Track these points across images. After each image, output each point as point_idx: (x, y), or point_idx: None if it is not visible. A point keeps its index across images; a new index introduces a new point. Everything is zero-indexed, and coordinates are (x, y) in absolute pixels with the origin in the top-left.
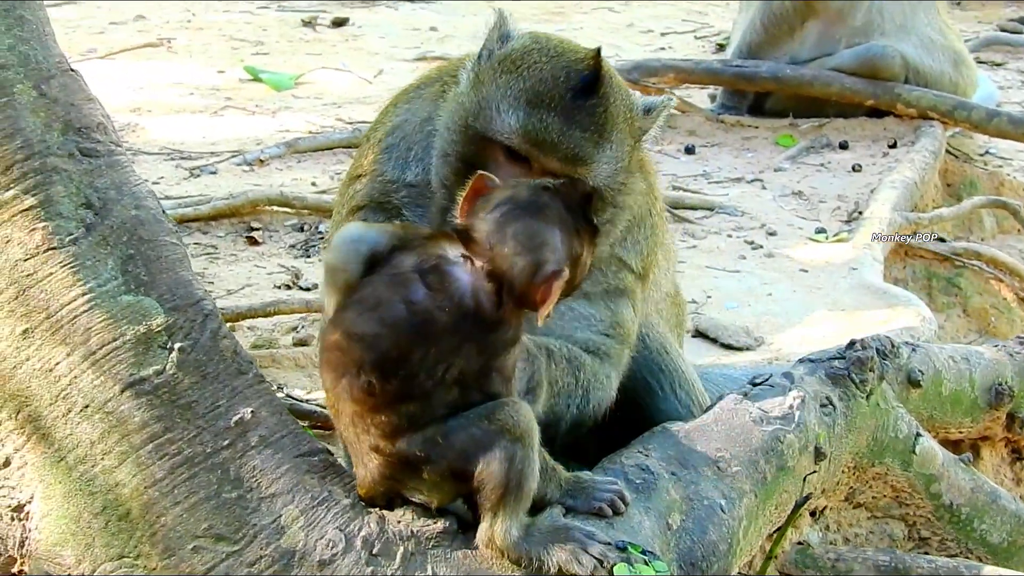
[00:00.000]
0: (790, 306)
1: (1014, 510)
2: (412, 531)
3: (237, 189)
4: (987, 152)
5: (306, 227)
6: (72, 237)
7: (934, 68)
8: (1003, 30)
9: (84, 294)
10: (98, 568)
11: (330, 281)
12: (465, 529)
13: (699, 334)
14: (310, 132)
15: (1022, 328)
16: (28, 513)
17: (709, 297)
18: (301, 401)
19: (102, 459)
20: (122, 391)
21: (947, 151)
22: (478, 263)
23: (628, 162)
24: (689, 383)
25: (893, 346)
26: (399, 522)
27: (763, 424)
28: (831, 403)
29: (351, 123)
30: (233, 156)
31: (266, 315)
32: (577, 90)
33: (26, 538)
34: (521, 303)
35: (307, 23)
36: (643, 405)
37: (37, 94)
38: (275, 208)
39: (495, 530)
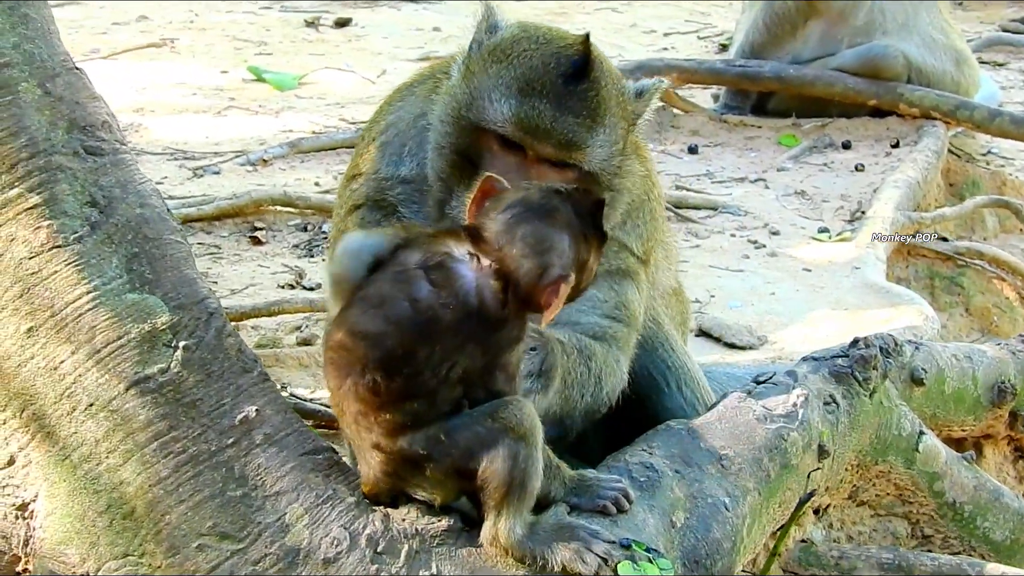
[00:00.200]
0: (793, 305)
1: (1017, 508)
2: (417, 529)
3: (240, 189)
4: (989, 152)
5: (310, 227)
6: (77, 235)
7: (936, 68)
8: (1005, 30)
9: (89, 292)
10: (102, 566)
11: (335, 292)
12: (470, 527)
13: (703, 333)
14: (313, 132)
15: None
16: (32, 511)
17: (713, 296)
18: (305, 400)
19: (107, 457)
20: (127, 389)
21: (949, 151)
22: (485, 262)
23: (623, 146)
24: (694, 380)
25: (896, 344)
26: (404, 520)
27: (767, 422)
28: (835, 401)
29: (354, 123)
30: (236, 156)
31: (270, 315)
32: (568, 75)
33: (30, 536)
34: (525, 305)
35: (310, 23)
36: (648, 401)
37: (42, 92)
38: (279, 208)
39: (499, 528)
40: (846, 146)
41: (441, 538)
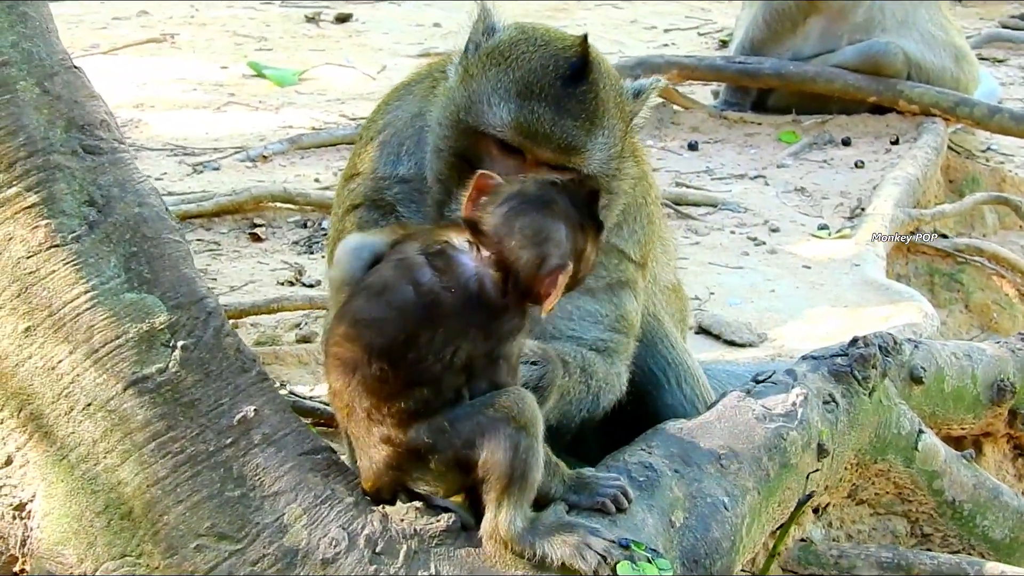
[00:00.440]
0: (793, 302)
1: (1016, 506)
2: (415, 529)
3: (240, 185)
4: (989, 148)
5: (309, 223)
6: (75, 235)
7: (936, 64)
8: (1005, 26)
9: (87, 292)
10: (100, 567)
11: (335, 295)
12: (468, 527)
13: (702, 330)
14: (313, 128)
15: (1023, 323)
16: (30, 512)
17: (712, 293)
18: (304, 398)
19: (104, 457)
20: (124, 389)
21: (949, 147)
22: (485, 252)
23: (621, 148)
24: (694, 377)
25: (895, 343)
26: (402, 520)
27: (766, 421)
28: (834, 400)
29: (354, 119)
30: (236, 152)
31: (269, 312)
32: (566, 78)
33: (28, 537)
34: (526, 295)
35: (311, 19)
36: (648, 397)
37: (40, 91)
38: (278, 204)
39: (499, 520)
40: (846, 143)
41: (440, 538)
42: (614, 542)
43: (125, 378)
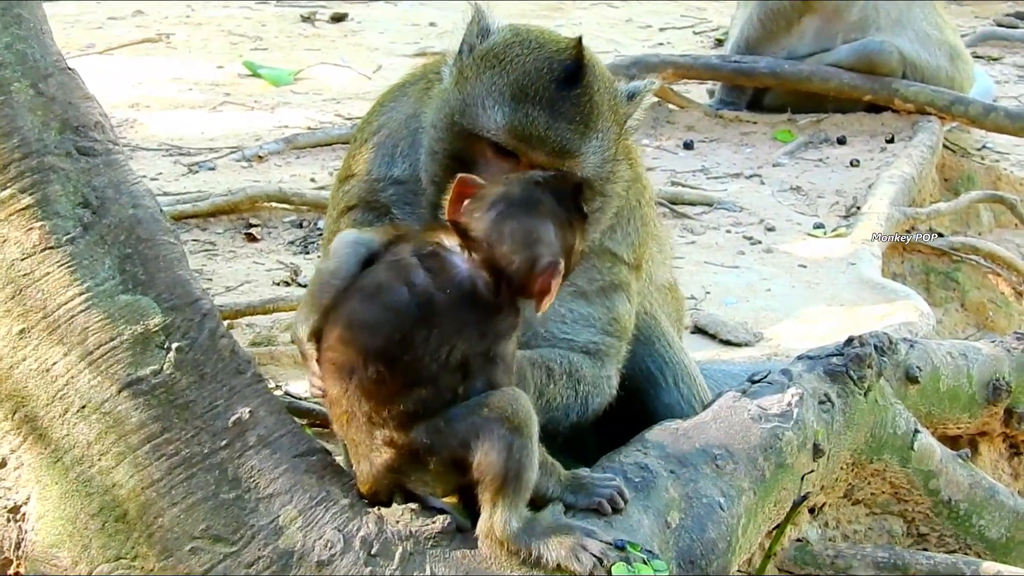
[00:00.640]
0: (789, 301)
1: (1012, 505)
2: (411, 531)
3: (236, 185)
4: (984, 147)
5: (305, 223)
6: (69, 236)
7: (931, 63)
8: (1000, 25)
9: (81, 294)
10: (95, 569)
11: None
12: (463, 529)
13: (698, 330)
14: (309, 128)
15: (1020, 322)
16: (24, 514)
17: (708, 293)
18: (299, 399)
19: (99, 460)
20: (119, 391)
21: (944, 146)
22: (476, 256)
23: (615, 150)
24: (691, 377)
25: (891, 343)
26: (398, 522)
27: (762, 421)
28: (829, 400)
29: (350, 119)
30: (232, 152)
31: (265, 312)
32: (561, 81)
33: (22, 539)
34: (520, 292)
35: (306, 19)
36: (645, 396)
37: (34, 93)
38: (274, 204)
39: (495, 521)
40: (841, 141)
41: (435, 540)
42: (610, 543)
43: (120, 380)
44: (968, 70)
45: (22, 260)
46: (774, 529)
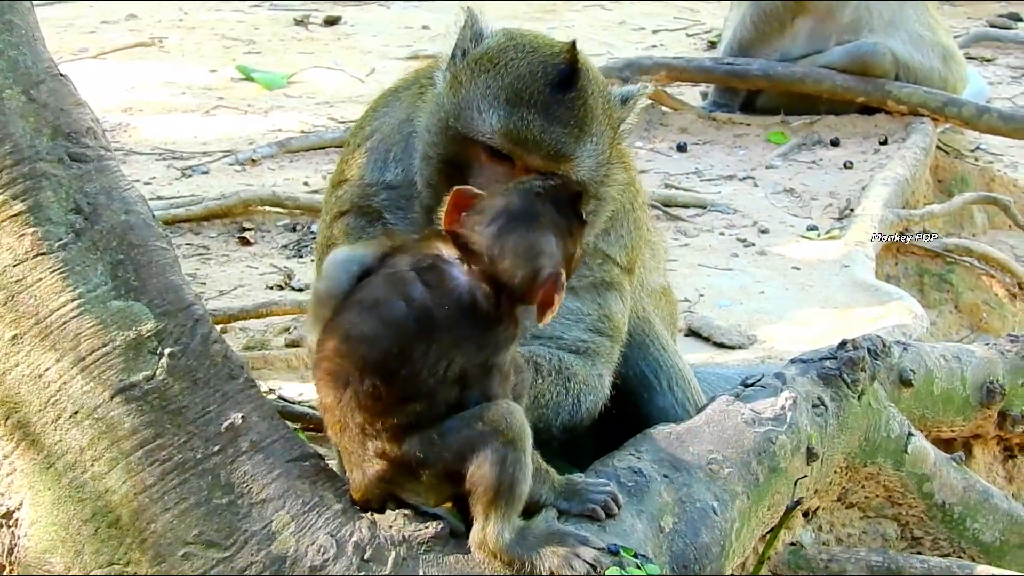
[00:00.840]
0: (782, 304)
1: (1006, 509)
2: (404, 536)
3: (229, 189)
4: (977, 148)
5: (298, 227)
6: (62, 242)
7: (924, 64)
8: (992, 25)
9: (74, 299)
10: (88, 575)
11: (320, 308)
12: (457, 534)
13: (692, 333)
14: (302, 131)
15: (1013, 324)
16: (17, 520)
17: (702, 295)
18: (293, 403)
19: (92, 465)
20: (112, 397)
21: (938, 147)
22: (476, 267)
23: (609, 154)
24: (685, 380)
25: (884, 346)
26: (391, 527)
27: (755, 425)
28: (823, 403)
29: (343, 122)
30: (225, 156)
31: (258, 316)
32: (555, 85)
33: (15, 545)
34: (521, 301)
35: (299, 22)
36: (640, 399)
37: (26, 99)
38: (267, 208)
39: (487, 532)
40: (834, 143)
41: (428, 545)
42: (603, 549)
43: (112, 386)
44: (961, 71)
45: (14, 266)
46: (768, 533)
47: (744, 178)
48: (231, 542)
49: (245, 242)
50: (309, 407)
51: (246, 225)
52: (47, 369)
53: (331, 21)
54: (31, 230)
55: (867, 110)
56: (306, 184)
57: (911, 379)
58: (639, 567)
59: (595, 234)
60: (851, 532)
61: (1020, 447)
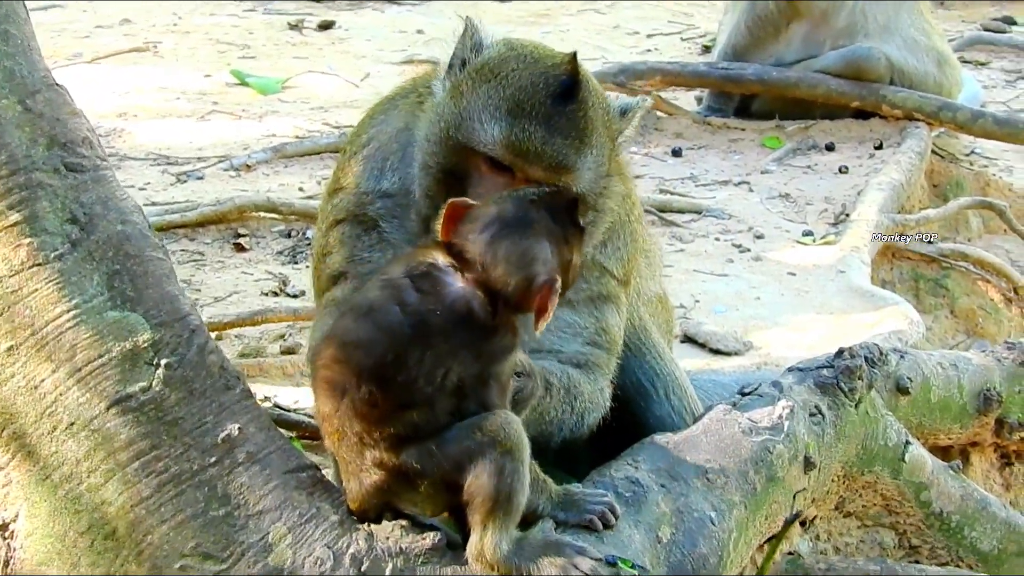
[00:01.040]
0: (778, 309)
1: (1004, 517)
2: (401, 548)
3: (224, 195)
4: (972, 152)
5: (293, 233)
6: (57, 253)
7: (918, 69)
8: (987, 29)
9: (70, 310)
10: None
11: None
12: (454, 545)
13: (687, 339)
14: (297, 136)
15: (1009, 329)
16: (13, 532)
17: (697, 301)
18: (288, 410)
19: (88, 477)
20: (108, 408)
21: (933, 152)
22: (470, 275)
23: (608, 166)
24: (682, 388)
25: (881, 354)
26: (388, 539)
27: (752, 435)
28: (820, 412)
29: (338, 127)
30: (220, 161)
31: (254, 324)
32: (556, 96)
33: (11, 557)
34: (517, 309)
35: (293, 26)
36: (637, 408)
37: (22, 109)
38: (262, 214)
39: (485, 544)
40: (829, 148)
41: (425, 556)
42: (601, 560)
43: (108, 397)
44: (956, 75)
45: (10, 277)
46: (765, 543)
47: (739, 183)
48: (228, 554)
49: (240, 248)
50: (305, 415)
51: (241, 231)
52: (43, 380)
53: (325, 26)
54: (27, 240)
55: (862, 115)
56: (301, 189)
57: (908, 387)
58: None
59: (593, 246)
60: (849, 541)
61: (1017, 454)
